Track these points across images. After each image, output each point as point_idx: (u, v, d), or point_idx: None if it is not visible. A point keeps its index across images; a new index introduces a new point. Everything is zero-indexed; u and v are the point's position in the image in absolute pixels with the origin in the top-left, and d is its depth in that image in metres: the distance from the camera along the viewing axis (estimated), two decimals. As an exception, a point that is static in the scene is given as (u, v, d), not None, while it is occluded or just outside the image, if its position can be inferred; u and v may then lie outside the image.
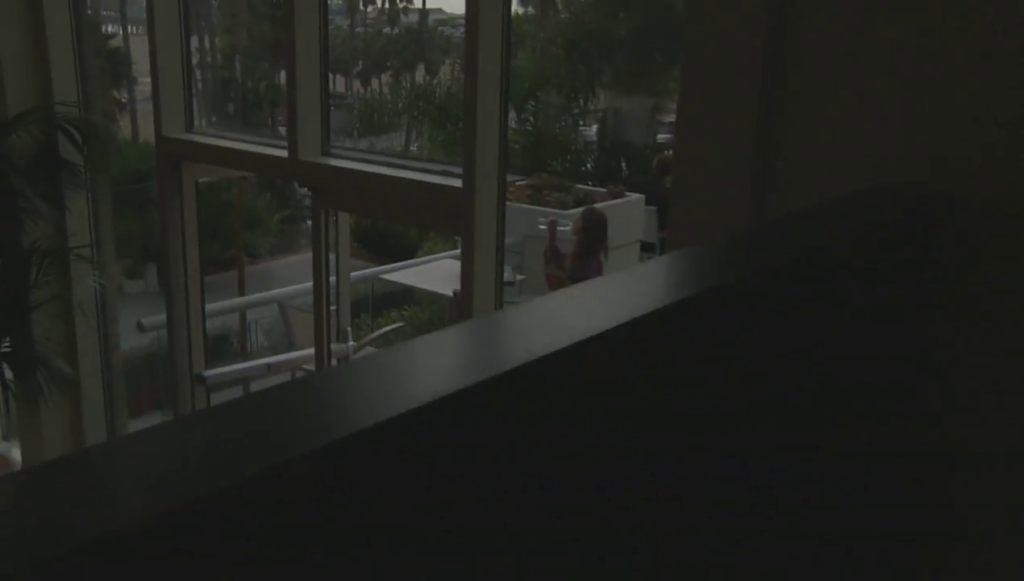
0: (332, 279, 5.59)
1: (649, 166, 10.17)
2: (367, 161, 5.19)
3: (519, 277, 7.78)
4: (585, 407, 1.22)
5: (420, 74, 19.77)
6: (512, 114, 11.52)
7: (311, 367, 6.21)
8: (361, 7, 21.19)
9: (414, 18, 21.03)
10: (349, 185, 5.12)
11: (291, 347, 8.73)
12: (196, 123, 6.00)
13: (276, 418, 0.98)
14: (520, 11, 16.04)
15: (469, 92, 4.25)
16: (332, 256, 5.59)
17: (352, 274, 7.55)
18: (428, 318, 11.33)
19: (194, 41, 11.92)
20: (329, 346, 5.44)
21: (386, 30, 21.08)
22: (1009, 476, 2.10)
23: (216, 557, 0.83)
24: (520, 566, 1.17)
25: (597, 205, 8.02)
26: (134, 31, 18.82)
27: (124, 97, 19.20)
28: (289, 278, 11.32)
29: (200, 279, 6.06)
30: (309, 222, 6.02)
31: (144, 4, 5.65)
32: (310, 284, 5.49)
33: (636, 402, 1.31)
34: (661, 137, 12.98)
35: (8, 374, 5.51)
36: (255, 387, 6.73)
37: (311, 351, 5.68)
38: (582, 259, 6.91)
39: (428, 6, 20.96)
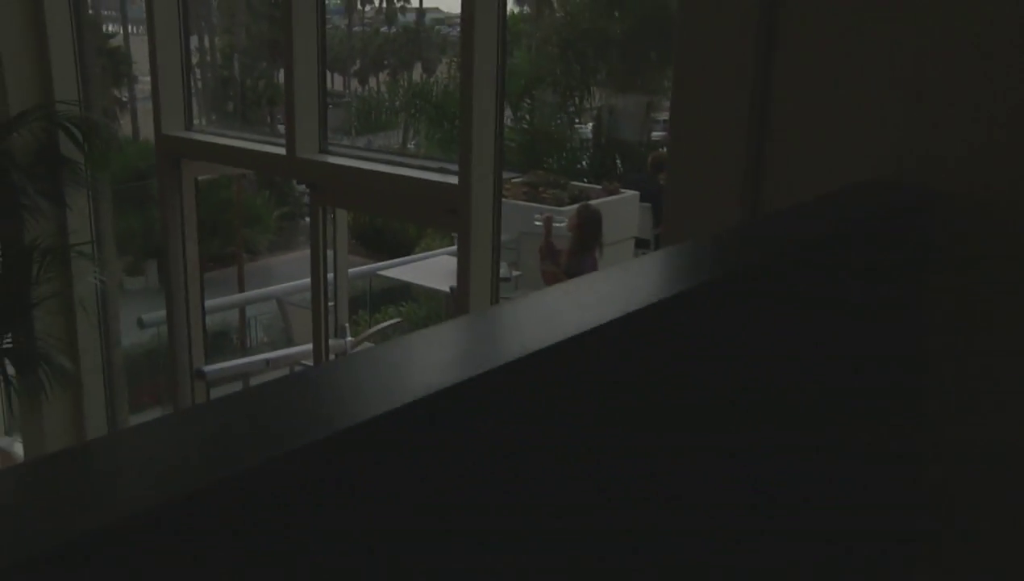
0: (330, 275, 5.61)
1: (644, 163, 10.21)
2: (364, 158, 5.21)
3: (515, 273, 7.82)
4: (579, 401, 1.23)
5: (417, 73, 19.75)
6: (508, 112, 11.57)
7: (309, 362, 6.25)
8: (359, 6, 21.18)
9: (411, 17, 21.02)
10: (347, 182, 5.14)
11: (290, 343, 8.74)
12: (195, 121, 6.03)
13: (275, 411, 0.98)
14: (516, 10, 16.03)
15: (465, 90, 4.26)
16: (330, 253, 5.62)
17: (350, 270, 7.57)
18: (425, 314, 11.34)
19: (193, 40, 11.94)
20: (327, 342, 5.46)
21: (383, 29, 21.07)
22: (1009, 476, 2.10)
23: (216, 549, 0.83)
24: (515, 560, 1.17)
25: (592, 202, 8.05)
26: (134, 31, 18.80)
27: (124, 96, 19.19)
28: (288, 274, 11.32)
29: (200, 275, 6.08)
30: (308, 219, 6.05)
31: (144, 4, 5.70)
32: (308, 280, 5.53)
33: (630, 396, 1.31)
34: (656, 135, 12.98)
35: (10, 370, 5.54)
36: (254, 382, 6.77)
37: (309, 347, 5.70)
38: (577, 255, 6.96)
39: (425, 5, 20.95)
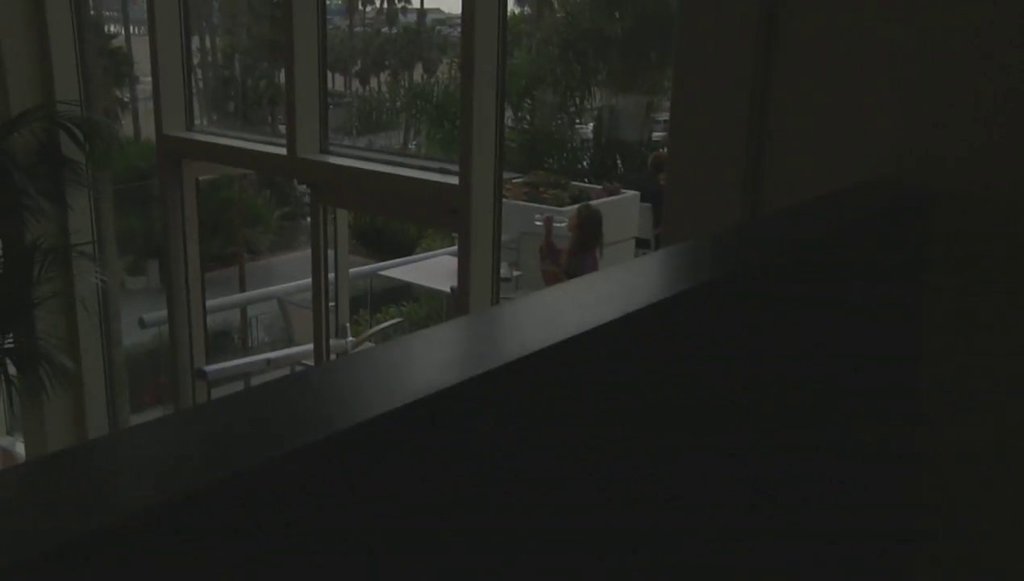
0: (331, 275, 5.63)
1: (644, 163, 10.23)
2: (365, 158, 5.21)
3: (515, 273, 7.82)
4: (580, 401, 1.23)
5: (418, 73, 19.78)
6: (509, 112, 11.57)
7: (310, 362, 6.26)
8: (360, 7, 21.20)
9: (412, 18, 21.04)
10: (347, 182, 5.15)
11: (291, 343, 8.76)
12: (196, 121, 6.04)
13: (276, 411, 0.97)
14: (516, 10, 16.06)
15: (466, 90, 4.27)
16: (331, 253, 5.63)
17: (351, 270, 7.59)
18: (426, 314, 11.36)
19: (195, 41, 11.96)
20: (328, 342, 5.47)
21: (384, 29, 21.09)
22: (1009, 476, 2.10)
23: (217, 549, 0.83)
24: (515, 561, 1.17)
25: (592, 202, 8.07)
26: (136, 31, 18.83)
27: (126, 96, 19.22)
28: (289, 274, 11.34)
29: (201, 275, 6.08)
30: (309, 219, 6.06)
31: (145, 4, 5.71)
32: (309, 280, 5.54)
33: (630, 396, 1.31)
34: (656, 135, 13.00)
35: (11, 369, 5.56)
36: (255, 382, 6.77)
37: (310, 347, 5.72)
38: (577, 255, 6.97)
39: (426, 6, 20.98)
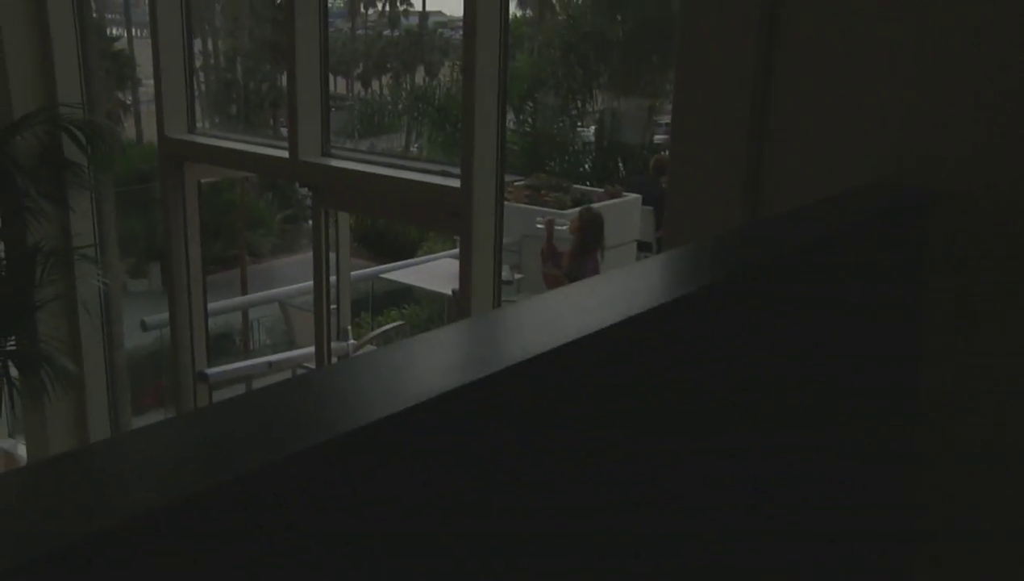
0: (332, 278, 5.62)
1: (646, 166, 10.23)
2: (366, 161, 5.22)
3: (517, 276, 7.82)
4: (581, 405, 1.23)
5: (420, 76, 19.82)
6: (510, 115, 11.58)
7: (312, 365, 6.26)
8: (362, 10, 21.24)
9: (414, 20, 21.07)
10: (349, 185, 5.15)
11: (292, 345, 8.76)
12: (198, 124, 6.05)
13: (277, 414, 0.97)
14: (518, 13, 16.08)
15: (468, 93, 4.27)
16: (332, 255, 5.63)
17: (352, 273, 7.60)
18: (427, 316, 11.38)
19: (197, 44, 11.97)
20: (329, 344, 5.46)
21: (386, 32, 21.13)
22: (1009, 476, 2.10)
23: (218, 552, 0.83)
24: (517, 564, 1.18)
25: (594, 205, 8.06)
26: (138, 34, 18.87)
27: (128, 99, 19.27)
28: (291, 277, 11.36)
29: (203, 278, 6.08)
30: (310, 222, 6.07)
31: (148, 7, 5.72)
32: (311, 283, 5.54)
33: (632, 399, 1.31)
34: (658, 138, 13.00)
35: (13, 372, 5.57)
36: (257, 385, 6.78)
37: (312, 349, 5.72)
38: (579, 258, 6.96)
39: (428, 9, 21.02)
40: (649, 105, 13.44)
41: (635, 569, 1.40)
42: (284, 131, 5.80)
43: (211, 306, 6.67)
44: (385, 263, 11.38)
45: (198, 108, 6.22)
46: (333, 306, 5.73)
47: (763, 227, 2.09)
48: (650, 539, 1.41)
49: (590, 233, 7.01)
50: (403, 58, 20.81)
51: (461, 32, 4.33)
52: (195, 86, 6.14)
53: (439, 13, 20.68)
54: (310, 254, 5.59)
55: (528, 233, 7.77)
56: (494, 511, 1.13)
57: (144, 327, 8.62)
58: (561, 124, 13.70)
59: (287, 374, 7.03)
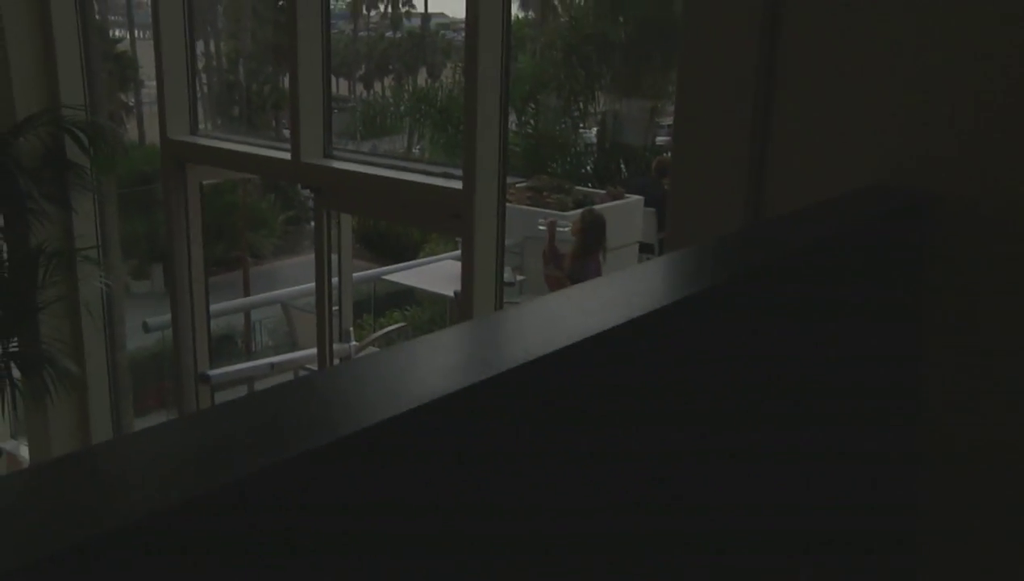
0: (334, 280, 5.63)
1: (648, 168, 10.22)
2: (368, 163, 5.21)
3: (519, 278, 7.82)
4: (583, 406, 1.23)
5: (422, 77, 19.83)
6: (512, 117, 11.58)
7: (314, 367, 6.26)
8: (364, 11, 21.26)
9: (416, 22, 21.08)
10: (351, 187, 5.14)
11: (294, 347, 8.76)
12: (201, 126, 6.05)
13: (279, 416, 0.97)
14: (520, 15, 16.09)
15: (469, 95, 4.27)
16: (334, 257, 5.63)
17: (354, 275, 7.59)
18: (429, 318, 11.39)
19: (199, 45, 12.00)
20: (331, 346, 5.46)
21: (388, 34, 21.14)
22: (1009, 476, 2.10)
23: (220, 554, 0.83)
24: (519, 565, 1.18)
25: (596, 206, 8.06)
26: (141, 36, 18.89)
27: (131, 100, 19.29)
28: (293, 279, 11.37)
29: (205, 279, 6.07)
30: (313, 223, 6.08)
31: (150, 9, 5.72)
32: (313, 285, 5.55)
33: (634, 401, 1.31)
34: (660, 139, 13.00)
35: (16, 373, 5.58)
36: (259, 386, 6.79)
37: (314, 351, 5.72)
38: (581, 260, 6.96)
39: (430, 10, 21.03)
40: (651, 107, 13.43)
41: (638, 570, 1.40)
42: (286, 133, 5.80)
43: (213, 307, 6.67)
44: (387, 265, 11.39)
45: (200, 110, 6.22)
46: (335, 307, 5.73)
47: (765, 229, 2.10)
48: (653, 540, 1.41)
49: (592, 235, 7.00)
50: (405, 60, 20.82)
51: (463, 34, 4.33)
52: (197, 88, 6.14)
53: (441, 15, 20.70)
54: (312, 256, 5.59)
55: (530, 235, 7.77)
56: (497, 512, 1.13)
57: (146, 328, 8.62)
58: (563, 126, 13.69)
59: (289, 376, 7.03)
